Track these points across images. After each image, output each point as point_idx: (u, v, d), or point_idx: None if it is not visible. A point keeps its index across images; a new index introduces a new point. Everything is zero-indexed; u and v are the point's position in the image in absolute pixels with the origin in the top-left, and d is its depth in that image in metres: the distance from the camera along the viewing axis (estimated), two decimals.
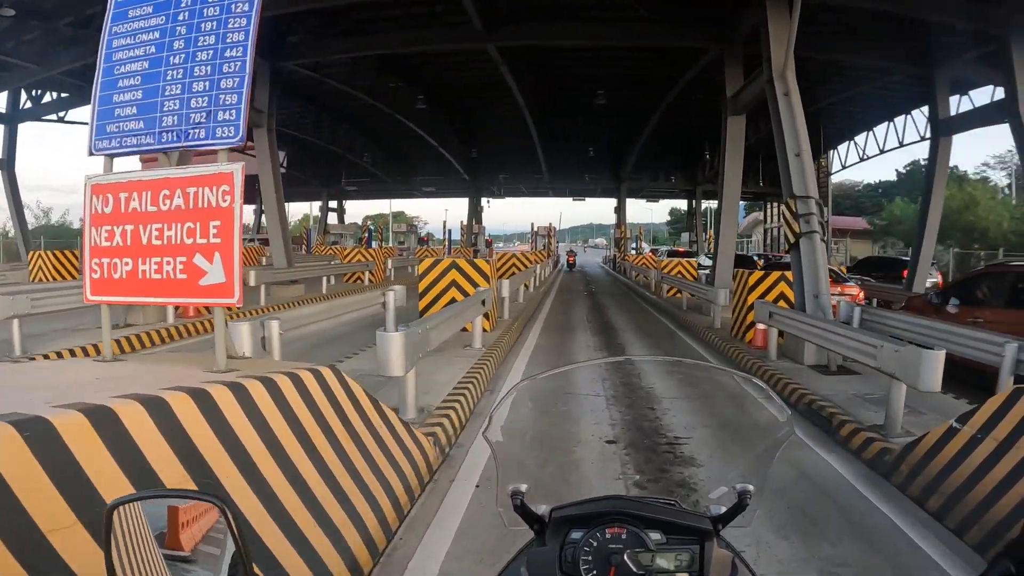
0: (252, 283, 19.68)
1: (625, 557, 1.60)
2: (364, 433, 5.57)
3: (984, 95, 25.87)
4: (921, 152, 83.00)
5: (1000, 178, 57.38)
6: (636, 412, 9.55)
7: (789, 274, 14.99)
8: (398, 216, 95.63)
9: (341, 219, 62.61)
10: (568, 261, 61.35)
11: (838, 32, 23.06)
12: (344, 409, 5.40)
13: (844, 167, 47.20)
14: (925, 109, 33.95)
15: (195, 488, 2.15)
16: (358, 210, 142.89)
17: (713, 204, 66.14)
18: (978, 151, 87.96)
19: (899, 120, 38.23)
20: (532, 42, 25.43)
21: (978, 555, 5.08)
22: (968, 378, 9.05)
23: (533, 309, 22.34)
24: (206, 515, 1.39)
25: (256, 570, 1.33)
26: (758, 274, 15.95)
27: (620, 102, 36.90)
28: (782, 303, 14.58)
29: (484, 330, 14.12)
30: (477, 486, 6.40)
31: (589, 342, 15.55)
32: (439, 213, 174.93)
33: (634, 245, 58.31)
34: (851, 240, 56.01)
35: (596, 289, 35.53)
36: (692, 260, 30.65)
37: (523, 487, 1.77)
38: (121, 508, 1.35)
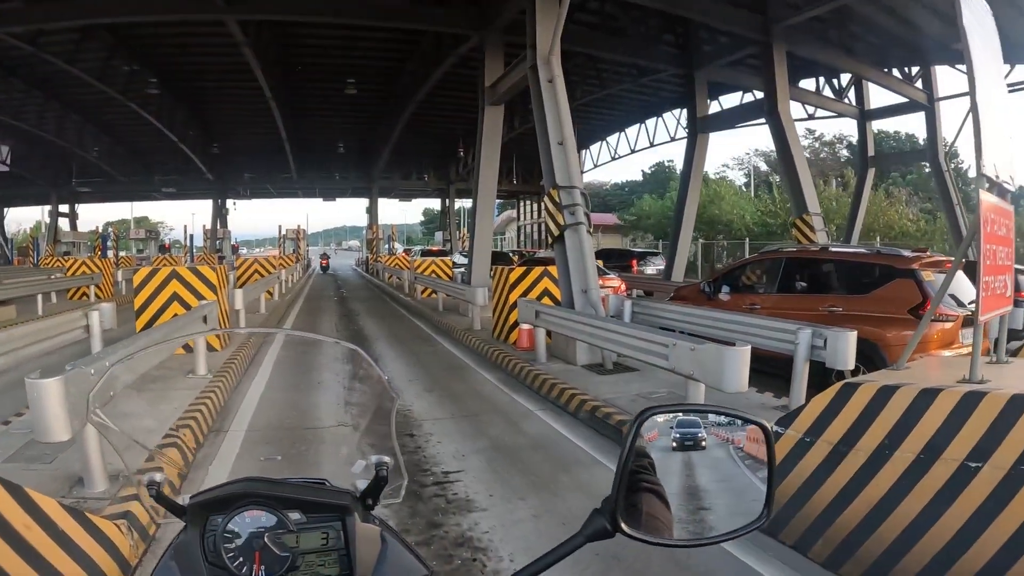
0: None
1: (267, 540, 1.51)
2: None
3: (733, 99, 29.39)
4: (667, 154, 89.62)
5: (738, 177, 62.34)
6: None
7: (552, 269, 14.08)
8: (141, 221, 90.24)
9: (74, 225, 57.19)
10: (321, 264, 60.39)
11: (601, 28, 23.28)
12: None
13: (596, 166, 49.32)
14: (676, 112, 36.08)
15: None
16: (99, 215, 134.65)
17: (467, 203, 66.71)
18: (717, 154, 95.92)
19: (651, 122, 41.20)
20: (275, 16, 23.47)
21: (830, 572, 4.57)
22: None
23: (276, 320, 20.17)
24: None
25: None
26: (519, 270, 14.86)
27: (373, 95, 35.80)
28: (547, 300, 13.71)
29: (215, 349, 12.17)
30: None
31: (338, 353, 13.78)
32: (188, 218, 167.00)
33: (387, 246, 57.46)
34: (602, 235, 57.82)
35: (348, 294, 33.65)
36: (447, 259, 29.64)
37: (158, 476, 1.61)
38: None
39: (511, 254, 38.45)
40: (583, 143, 44.13)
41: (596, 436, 7.98)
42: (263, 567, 1.49)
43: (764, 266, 12.39)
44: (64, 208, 55.65)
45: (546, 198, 13.09)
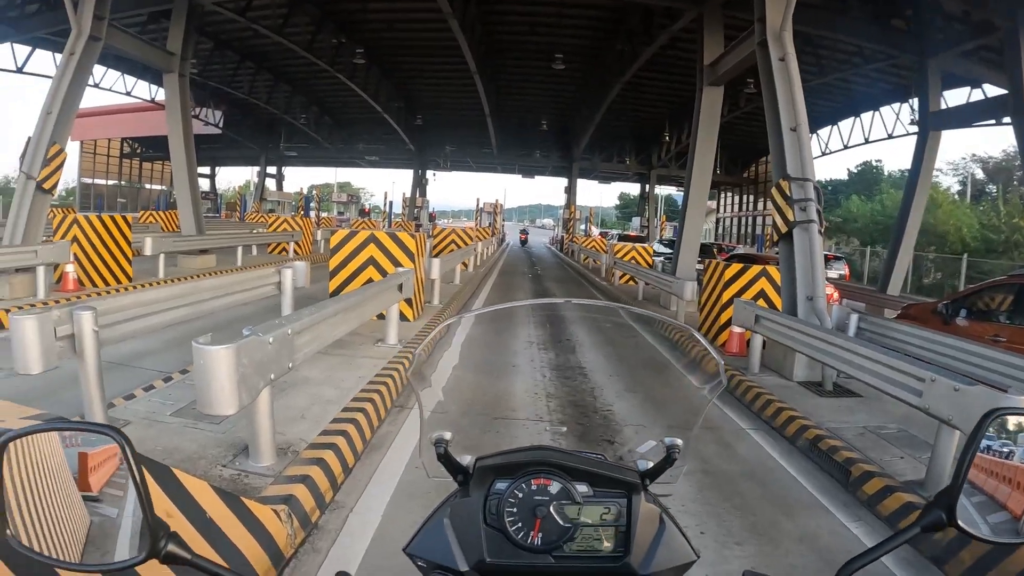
0: (148, 252, 16.70)
1: (551, 509, 1.52)
2: None
3: (957, 96, 25.38)
4: (874, 153, 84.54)
5: (951, 184, 57.30)
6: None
7: (772, 269, 12.79)
8: (344, 186, 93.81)
9: (280, 185, 60.09)
10: (521, 238, 63.59)
11: (825, 7, 21.24)
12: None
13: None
14: (895, 106, 33.30)
15: None
16: (303, 178, 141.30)
17: (666, 191, 65.14)
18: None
19: (865, 116, 38.12)
20: None
21: None
22: None
23: (470, 293, 19.74)
24: (112, 459, 1.30)
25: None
26: (736, 266, 13.40)
27: (578, 74, 35.49)
28: (761, 303, 12.29)
29: (407, 319, 11.89)
30: None
31: (533, 336, 13.06)
32: (388, 185, 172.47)
33: (583, 227, 56.89)
34: None
35: (542, 272, 33.13)
36: (647, 246, 28.36)
37: (447, 435, 1.63)
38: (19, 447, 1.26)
39: (713, 247, 36.91)
40: None
41: (817, 472, 6.81)
42: (541, 535, 1.50)
43: (1013, 291, 10.42)
44: (273, 170, 59.13)
45: (774, 190, 11.74)
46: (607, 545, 1.51)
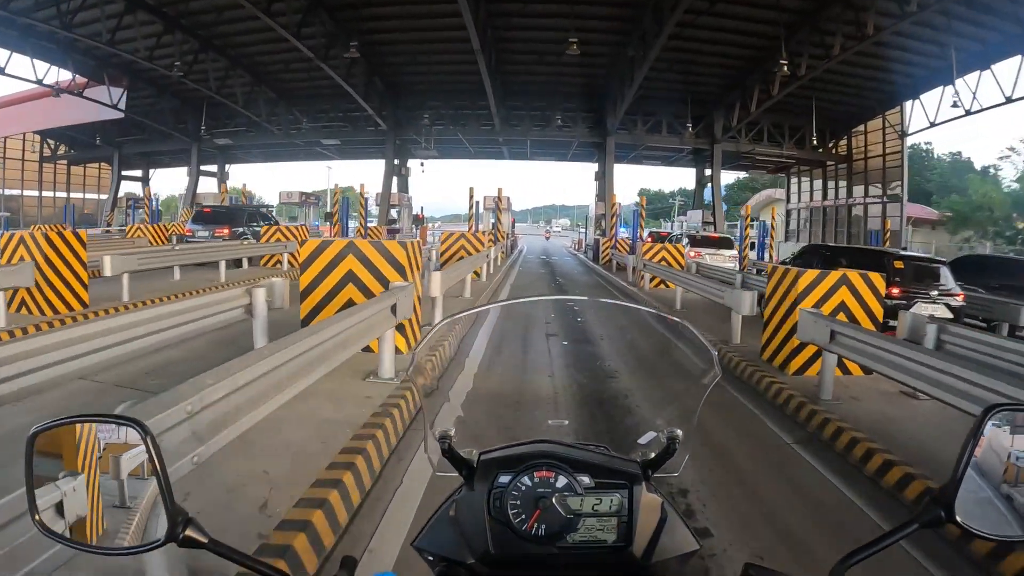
0: None
1: (553, 501, 1.77)
2: None
3: None
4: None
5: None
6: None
7: None
8: (346, 191, 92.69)
9: (222, 186, 58.17)
10: (544, 236, 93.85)
11: None
12: None
13: (933, 124, 41.40)
14: None
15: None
16: (296, 183, 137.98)
17: (732, 177, 60.16)
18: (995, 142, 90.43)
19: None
20: None
21: None
22: None
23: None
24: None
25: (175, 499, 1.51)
26: None
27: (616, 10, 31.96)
28: None
29: (398, 352, 10.68)
30: None
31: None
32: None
33: (622, 228, 52.83)
34: (913, 230, 52.63)
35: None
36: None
37: (451, 431, 1.92)
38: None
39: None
40: (905, 92, 37.81)
41: None
42: (544, 525, 1.76)
43: None
44: (231, 169, 59.69)
45: None
46: (610, 535, 1.77)
